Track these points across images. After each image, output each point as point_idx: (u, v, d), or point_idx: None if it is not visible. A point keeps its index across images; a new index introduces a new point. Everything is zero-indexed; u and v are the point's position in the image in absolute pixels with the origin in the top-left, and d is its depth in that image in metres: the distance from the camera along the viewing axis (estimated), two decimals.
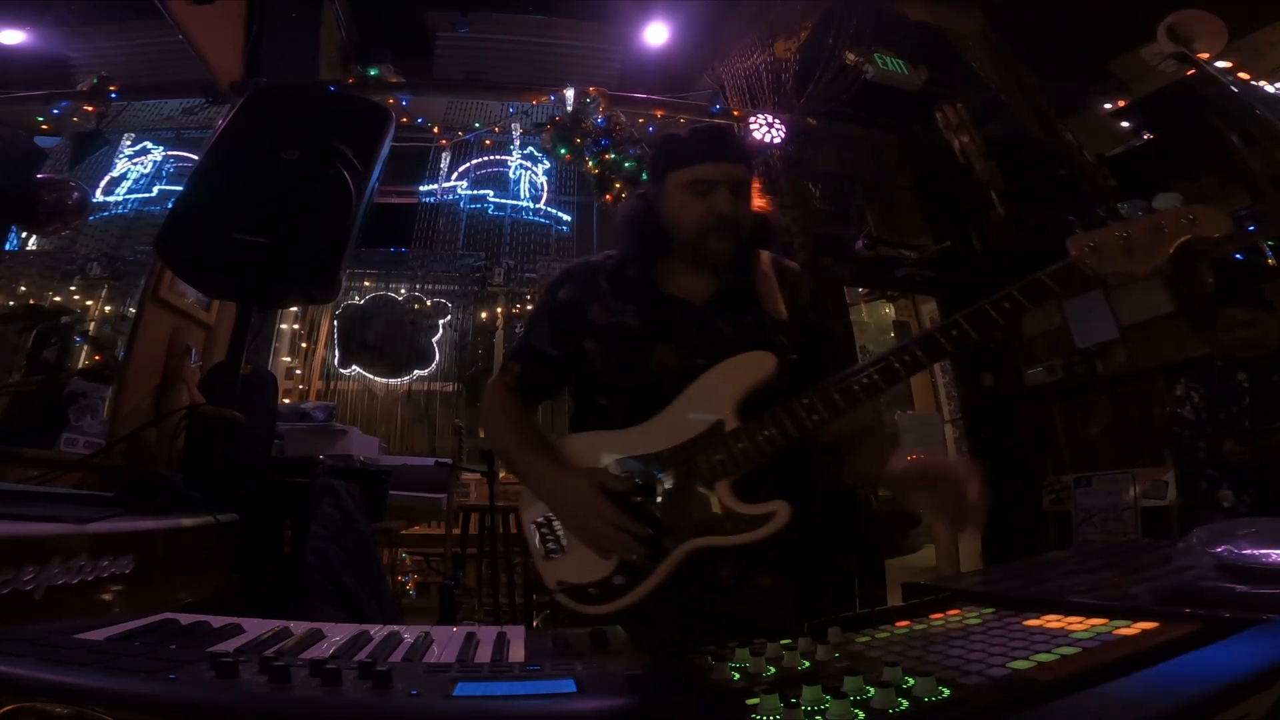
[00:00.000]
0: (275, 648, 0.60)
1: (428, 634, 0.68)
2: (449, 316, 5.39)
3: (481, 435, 1.42)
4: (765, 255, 1.31)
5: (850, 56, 4.50)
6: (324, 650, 0.62)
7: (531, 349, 1.28)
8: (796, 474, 1.16)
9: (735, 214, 1.19)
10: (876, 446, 1.20)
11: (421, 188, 5.06)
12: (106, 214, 4.49)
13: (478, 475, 3.86)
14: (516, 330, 5.31)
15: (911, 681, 0.48)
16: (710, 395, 1.11)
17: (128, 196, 4.55)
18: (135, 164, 4.64)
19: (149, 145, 4.69)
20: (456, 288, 5.37)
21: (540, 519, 1.17)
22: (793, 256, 4.36)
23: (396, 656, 0.61)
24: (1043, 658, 0.52)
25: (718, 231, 1.19)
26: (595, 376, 1.23)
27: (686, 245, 1.23)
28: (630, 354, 1.19)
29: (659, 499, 1.09)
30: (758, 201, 1.28)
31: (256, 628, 0.67)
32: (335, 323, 5.27)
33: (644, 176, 4.31)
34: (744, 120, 4.61)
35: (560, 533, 1.14)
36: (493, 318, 5.36)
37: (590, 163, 4.46)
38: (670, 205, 1.23)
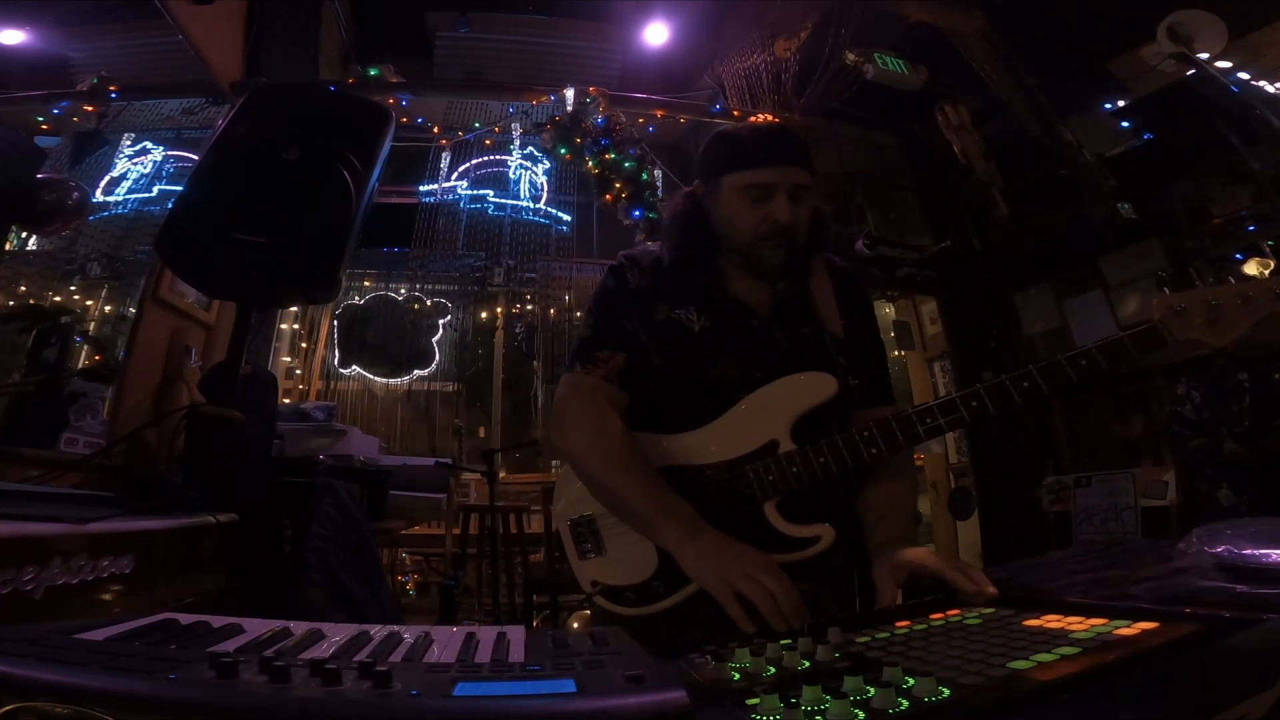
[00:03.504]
0: (275, 648, 0.60)
1: (428, 634, 0.68)
2: (449, 316, 5.39)
3: (557, 441, 1.16)
4: (820, 257, 1.25)
5: (850, 56, 4.50)
6: (324, 650, 0.62)
7: (628, 335, 1.14)
8: (844, 496, 1.14)
9: (793, 222, 1.12)
10: (884, 536, 1.10)
11: (421, 188, 5.06)
12: (106, 214, 4.48)
13: (478, 475, 3.87)
14: (517, 330, 5.31)
15: (911, 681, 0.48)
16: (766, 412, 1.08)
17: (128, 196, 4.55)
18: (135, 164, 4.64)
19: (149, 145, 4.68)
20: (456, 288, 5.37)
21: (577, 518, 1.14)
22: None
23: (396, 656, 0.60)
24: (1043, 658, 0.52)
25: (772, 240, 1.12)
26: (644, 374, 1.16)
27: (737, 251, 1.16)
28: (689, 357, 1.14)
29: (706, 512, 1.04)
30: (812, 202, 1.19)
31: (256, 628, 0.67)
32: (335, 323, 5.27)
33: (644, 176, 4.31)
34: (744, 120, 4.61)
35: (599, 534, 1.11)
36: (493, 318, 5.37)
37: (590, 163, 4.46)
38: (723, 208, 1.16)
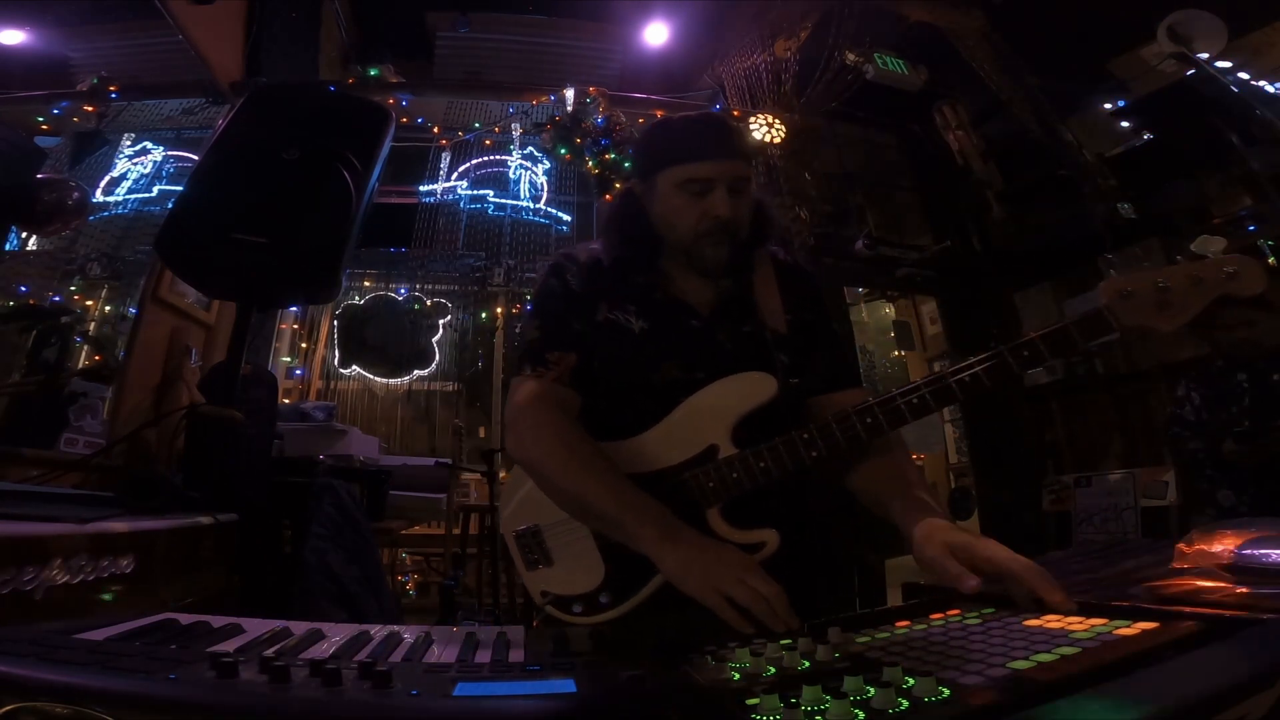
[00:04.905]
0: (275, 648, 0.60)
1: (428, 634, 0.68)
2: (449, 316, 5.39)
3: (514, 450, 1.07)
4: (764, 251, 1.21)
5: (850, 56, 4.50)
6: (324, 650, 0.62)
7: (576, 334, 1.11)
8: (789, 497, 1.11)
9: (734, 216, 1.09)
10: (912, 498, 1.01)
11: (421, 188, 5.06)
12: (106, 214, 4.48)
13: (478, 475, 3.87)
14: (517, 330, 5.31)
15: (911, 681, 0.48)
16: (706, 416, 1.05)
17: (128, 196, 4.54)
18: (135, 164, 4.64)
19: (149, 145, 4.68)
20: (456, 288, 5.37)
21: (522, 529, 1.11)
22: (793, 256, 4.40)
23: (396, 656, 0.61)
24: (1043, 658, 0.52)
25: (714, 236, 1.09)
26: (590, 377, 1.12)
27: (678, 249, 1.13)
28: (628, 360, 1.11)
29: None
30: (754, 194, 1.15)
31: (256, 628, 0.67)
32: (335, 323, 5.27)
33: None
34: (744, 120, 4.61)
35: (545, 545, 1.09)
36: (493, 318, 5.37)
37: (590, 163, 4.46)
38: (661, 205, 1.12)
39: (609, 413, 1.10)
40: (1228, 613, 0.59)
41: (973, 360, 0.96)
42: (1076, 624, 0.61)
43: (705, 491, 1.02)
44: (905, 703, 0.45)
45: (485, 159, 5.14)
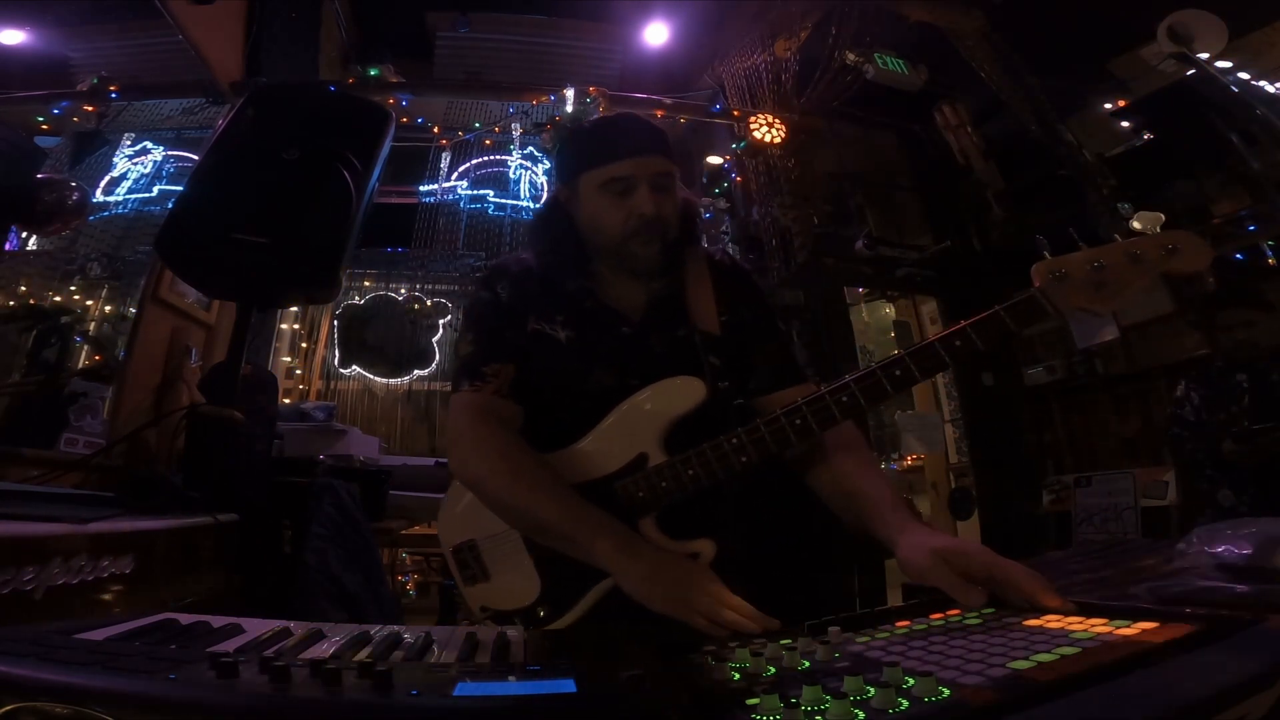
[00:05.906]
0: (275, 648, 0.60)
1: (428, 634, 0.68)
2: (449, 316, 5.38)
3: (458, 470, 1.06)
4: (699, 251, 1.18)
5: (850, 56, 4.51)
6: (324, 650, 0.62)
7: (512, 345, 1.09)
8: (726, 504, 1.08)
9: (659, 214, 1.06)
10: (887, 505, 0.97)
11: (421, 188, 5.07)
12: (106, 214, 4.48)
13: None
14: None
15: (911, 681, 0.48)
16: (634, 424, 1.03)
17: (128, 196, 4.54)
18: (135, 164, 4.64)
19: (149, 145, 4.68)
20: (456, 288, 5.37)
21: (459, 544, 1.09)
22: (793, 256, 4.41)
23: (396, 656, 0.61)
24: (1043, 658, 0.52)
25: (641, 236, 1.06)
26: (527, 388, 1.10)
27: (608, 252, 1.11)
28: (559, 371, 1.09)
29: None
30: (680, 192, 1.13)
31: (256, 628, 0.67)
32: (335, 323, 5.27)
33: None
34: (744, 120, 4.61)
35: (481, 560, 1.08)
36: None
37: None
38: (585, 209, 1.10)
39: (548, 424, 1.08)
40: (1228, 613, 0.59)
41: (901, 353, 0.94)
42: (1076, 624, 0.61)
43: (636, 501, 0.99)
44: (905, 703, 0.45)
45: (485, 159, 5.15)
